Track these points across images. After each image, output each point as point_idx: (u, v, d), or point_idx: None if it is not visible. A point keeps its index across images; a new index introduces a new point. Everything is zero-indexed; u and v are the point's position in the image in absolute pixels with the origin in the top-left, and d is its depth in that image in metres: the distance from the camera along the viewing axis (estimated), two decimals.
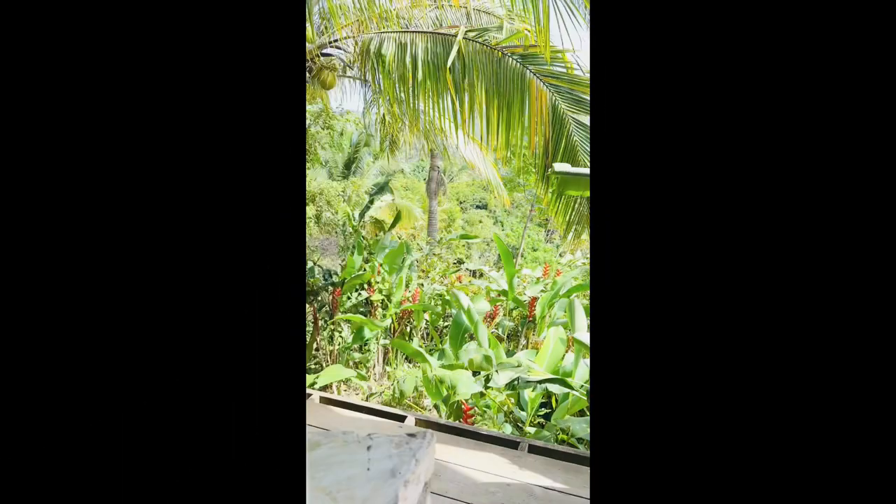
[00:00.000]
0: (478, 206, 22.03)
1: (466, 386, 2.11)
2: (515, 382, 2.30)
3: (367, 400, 3.40)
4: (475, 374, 2.59)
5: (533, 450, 1.51)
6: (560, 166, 1.23)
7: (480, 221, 21.40)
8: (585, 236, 4.88)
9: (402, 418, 1.70)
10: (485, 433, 1.64)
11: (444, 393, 2.11)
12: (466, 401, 2.29)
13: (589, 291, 5.45)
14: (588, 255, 6.05)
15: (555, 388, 2.39)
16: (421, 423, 1.67)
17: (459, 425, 1.68)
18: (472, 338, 3.06)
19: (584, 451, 1.56)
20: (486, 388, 2.40)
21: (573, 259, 5.95)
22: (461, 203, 21.77)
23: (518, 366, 2.35)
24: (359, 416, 1.66)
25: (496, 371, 2.29)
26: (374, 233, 9.54)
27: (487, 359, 2.32)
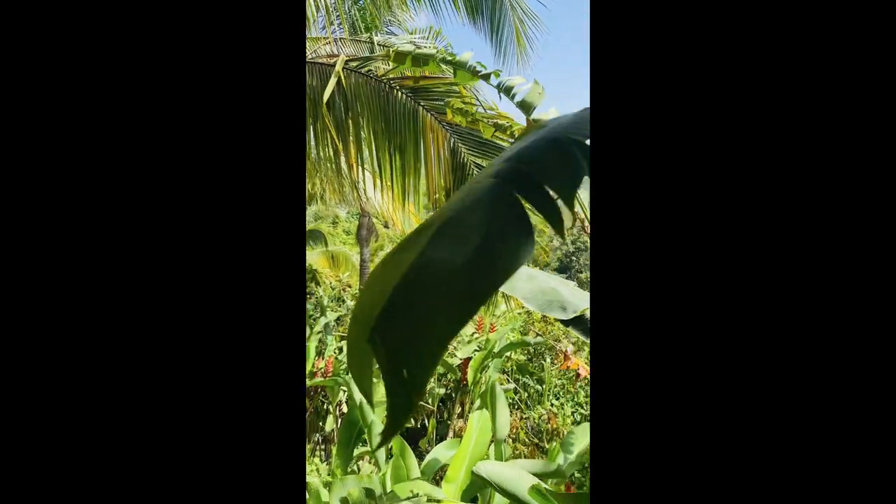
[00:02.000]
0: None
1: None
2: None
3: None
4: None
5: None
6: None
7: None
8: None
9: None
10: None
11: None
12: None
13: (525, 347, 4.94)
14: (522, 306, 5.58)
15: None
16: None
17: None
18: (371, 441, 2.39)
19: None
20: None
21: (509, 309, 5.43)
22: None
23: (415, 496, 1.72)
24: None
25: None
26: None
27: (369, 492, 1.68)
